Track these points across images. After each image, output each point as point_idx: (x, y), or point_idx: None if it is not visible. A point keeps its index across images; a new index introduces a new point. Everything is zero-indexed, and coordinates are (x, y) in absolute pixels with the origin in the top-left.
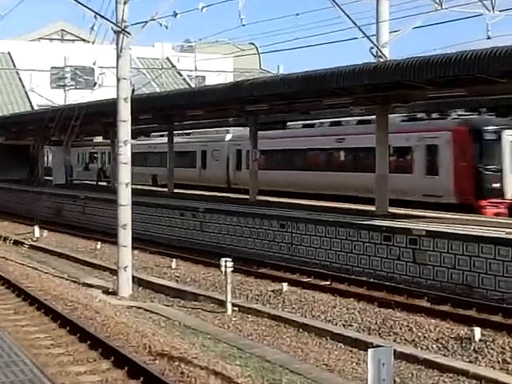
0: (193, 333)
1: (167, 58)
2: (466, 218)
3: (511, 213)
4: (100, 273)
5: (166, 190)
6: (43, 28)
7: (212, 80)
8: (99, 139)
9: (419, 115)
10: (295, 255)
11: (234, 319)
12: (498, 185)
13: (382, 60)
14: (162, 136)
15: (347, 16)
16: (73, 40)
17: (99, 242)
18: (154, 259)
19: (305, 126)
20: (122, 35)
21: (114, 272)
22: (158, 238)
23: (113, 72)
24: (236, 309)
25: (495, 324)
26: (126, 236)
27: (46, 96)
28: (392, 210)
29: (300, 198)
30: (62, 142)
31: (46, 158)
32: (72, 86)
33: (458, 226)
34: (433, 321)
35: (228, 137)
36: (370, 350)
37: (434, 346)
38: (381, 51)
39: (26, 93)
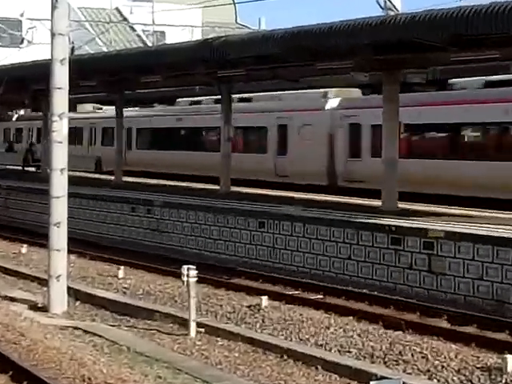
0: (145, 361)
1: (117, 9)
2: (498, 216)
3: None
4: (26, 283)
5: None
6: None
7: (174, 37)
8: (27, 112)
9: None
10: (278, 262)
11: (198, 343)
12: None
13: (391, 13)
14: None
15: None
16: None
17: (25, 245)
18: (96, 266)
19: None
20: None
21: (44, 282)
22: (102, 240)
23: (46, 26)
24: (202, 330)
25: None
26: (59, 237)
27: None
28: (403, 205)
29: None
30: None
31: None
32: None
33: (487, 226)
34: (453, 346)
35: (331, 103)
36: (372, 383)
37: (454, 378)
38: (390, 1)
39: None
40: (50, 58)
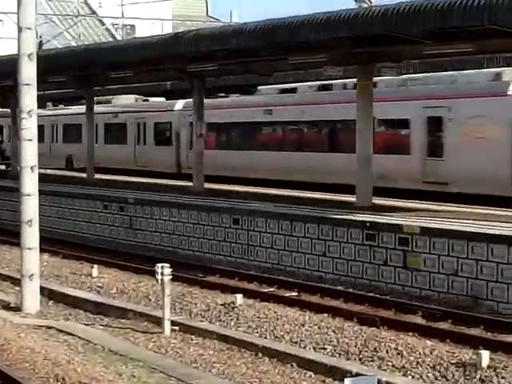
0: (120, 359)
1: (85, 2)
2: (474, 211)
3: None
4: None
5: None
6: None
7: (144, 31)
8: None
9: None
10: (252, 259)
11: (173, 341)
12: None
13: (365, 6)
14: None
15: None
16: None
17: None
18: (70, 265)
19: None
20: None
21: (17, 282)
22: (75, 238)
23: (13, 19)
24: (176, 328)
25: (508, 346)
26: (31, 235)
27: None
28: (378, 200)
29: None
30: None
31: None
32: None
33: (462, 221)
34: (428, 342)
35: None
36: (347, 380)
37: (429, 374)
38: None
39: None
40: (16, 53)
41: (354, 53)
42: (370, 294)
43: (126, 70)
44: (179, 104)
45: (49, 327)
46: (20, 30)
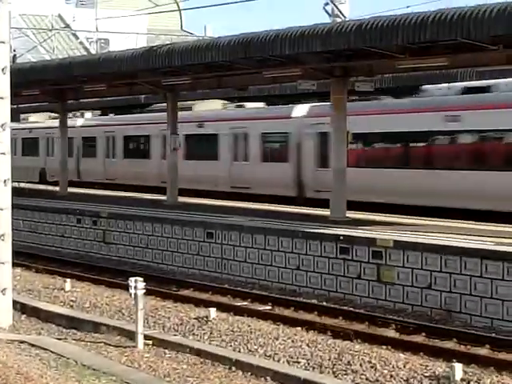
0: (93, 374)
1: (59, 16)
2: (447, 224)
3: None
4: None
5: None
6: None
7: (118, 44)
8: None
9: None
10: (226, 273)
11: (146, 355)
12: None
13: (339, 20)
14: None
15: None
16: None
17: None
18: (42, 279)
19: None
20: None
21: None
22: (48, 252)
23: None
24: (149, 342)
25: (481, 359)
26: (4, 249)
27: None
28: (352, 214)
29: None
30: None
31: None
32: None
33: (436, 235)
34: (402, 355)
35: None
36: None
37: None
38: (338, 8)
39: None
40: None
41: (328, 67)
42: (344, 308)
43: (99, 84)
44: (300, 110)
45: (21, 341)
46: None
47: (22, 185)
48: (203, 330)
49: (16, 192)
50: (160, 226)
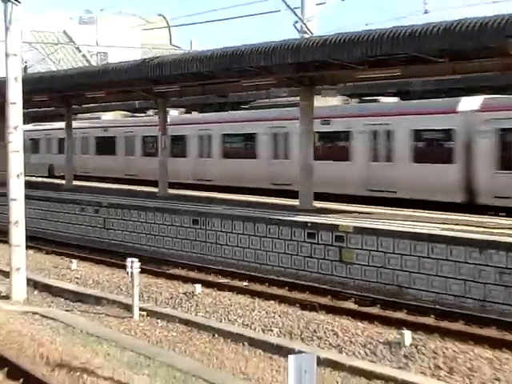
0: (96, 340)
1: (64, 32)
2: (399, 213)
3: None
4: None
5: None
6: None
7: (116, 57)
8: None
9: None
10: (210, 254)
11: (141, 325)
12: None
13: (307, 36)
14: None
15: None
16: None
17: None
18: (52, 260)
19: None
20: (10, 3)
21: (6, 274)
22: (56, 237)
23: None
24: (144, 313)
25: (427, 327)
26: (18, 234)
27: None
28: (318, 204)
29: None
30: None
31: None
32: None
33: (389, 222)
34: (360, 324)
35: None
36: (290, 357)
37: (361, 351)
38: (306, 26)
39: None
40: (4, 76)
41: (298, 77)
42: (311, 284)
43: (99, 91)
44: (469, 103)
45: (34, 313)
46: (7, 56)
47: (33, 178)
48: (190, 303)
49: (28, 184)
50: (152, 215)
